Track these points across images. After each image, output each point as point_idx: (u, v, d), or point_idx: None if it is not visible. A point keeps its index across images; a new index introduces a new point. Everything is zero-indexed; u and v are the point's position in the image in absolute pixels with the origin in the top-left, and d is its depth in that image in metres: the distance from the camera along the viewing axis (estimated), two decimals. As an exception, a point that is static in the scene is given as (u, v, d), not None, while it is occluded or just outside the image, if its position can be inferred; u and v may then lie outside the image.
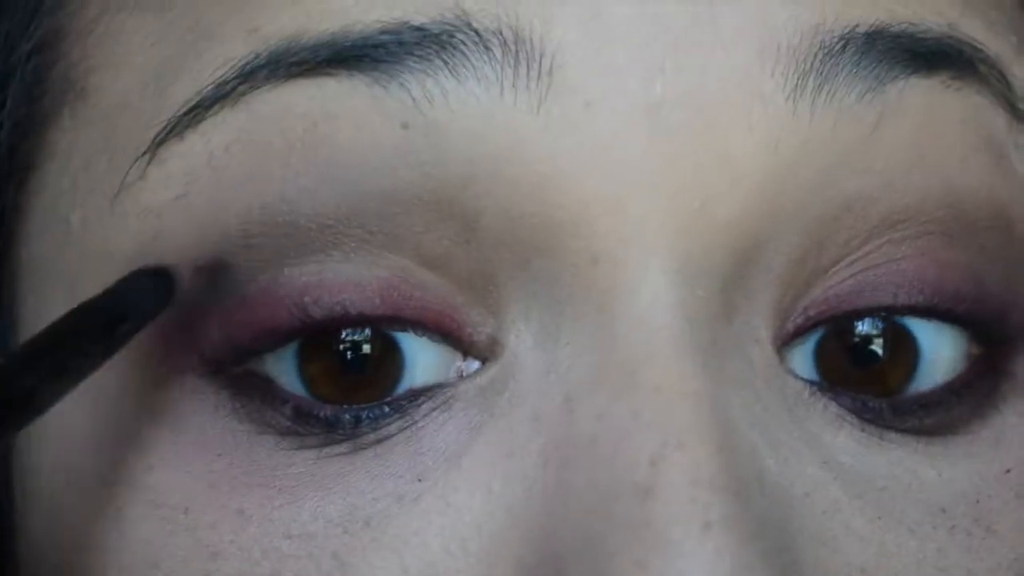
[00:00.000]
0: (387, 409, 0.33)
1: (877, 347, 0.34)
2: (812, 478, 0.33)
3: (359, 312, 0.32)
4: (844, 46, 0.32)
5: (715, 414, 0.31)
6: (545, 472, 0.32)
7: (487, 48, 0.31)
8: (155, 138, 0.33)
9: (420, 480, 0.32)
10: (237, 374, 0.33)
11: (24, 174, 0.36)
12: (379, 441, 0.33)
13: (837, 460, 0.33)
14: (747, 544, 0.30)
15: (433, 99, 0.31)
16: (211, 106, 0.32)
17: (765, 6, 0.32)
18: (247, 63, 0.32)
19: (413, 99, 0.31)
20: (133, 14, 0.34)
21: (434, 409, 0.33)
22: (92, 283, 0.34)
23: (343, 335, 0.33)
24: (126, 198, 0.33)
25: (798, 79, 0.32)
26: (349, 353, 0.33)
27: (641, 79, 0.32)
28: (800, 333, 0.34)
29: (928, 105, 0.33)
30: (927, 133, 0.33)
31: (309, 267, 0.32)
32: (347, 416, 0.33)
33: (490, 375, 0.33)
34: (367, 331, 0.33)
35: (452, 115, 0.31)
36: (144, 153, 0.33)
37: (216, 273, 0.33)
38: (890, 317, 0.34)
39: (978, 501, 0.34)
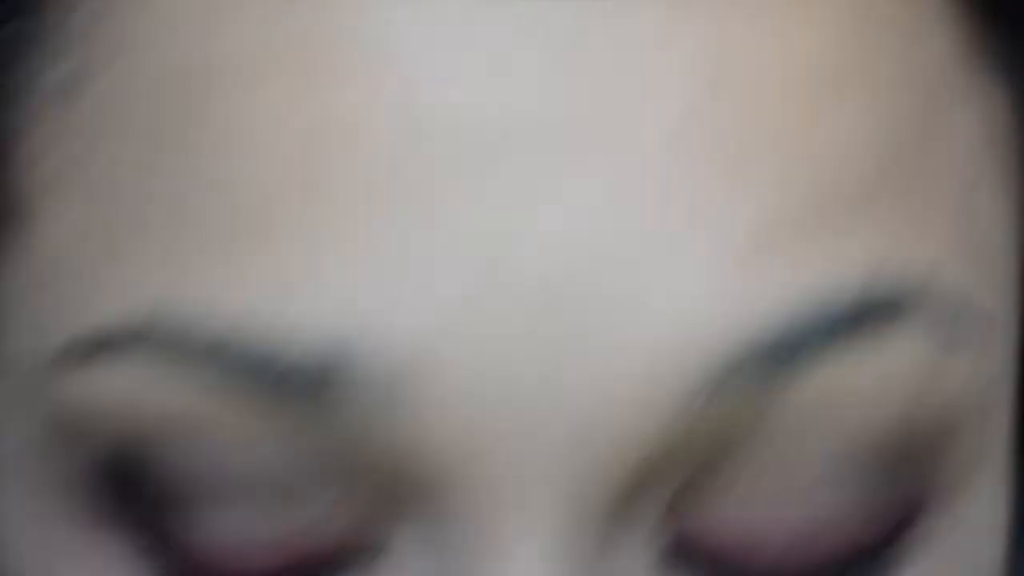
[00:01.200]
0: None
1: None
2: None
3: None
4: (744, 357, 0.31)
5: None
6: None
7: (376, 381, 0.30)
8: (60, 348, 0.32)
9: None
10: None
11: None
12: None
13: None
14: None
15: (318, 418, 0.31)
16: (99, 353, 0.32)
17: (679, 317, 0.30)
18: (139, 327, 0.31)
19: (295, 414, 0.31)
20: (68, 182, 0.32)
21: None
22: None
23: None
24: (43, 375, 0.33)
25: (690, 391, 0.31)
26: None
27: (525, 390, 0.30)
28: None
29: (842, 370, 0.31)
30: (835, 395, 0.32)
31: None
32: None
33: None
34: None
35: (337, 423, 0.31)
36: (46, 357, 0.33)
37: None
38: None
39: None
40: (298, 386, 0.30)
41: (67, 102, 0.32)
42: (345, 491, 0.32)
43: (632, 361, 0.30)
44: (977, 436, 0.34)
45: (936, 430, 0.33)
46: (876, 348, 0.32)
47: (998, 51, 0.35)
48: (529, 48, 0.30)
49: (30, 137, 0.33)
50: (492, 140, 0.30)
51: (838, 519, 0.33)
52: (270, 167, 0.30)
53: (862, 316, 0.31)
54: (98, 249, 0.32)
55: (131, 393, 0.31)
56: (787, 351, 0.31)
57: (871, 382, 0.32)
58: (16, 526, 0.35)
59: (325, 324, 0.30)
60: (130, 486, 0.32)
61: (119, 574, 0.33)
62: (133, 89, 0.31)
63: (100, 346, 0.32)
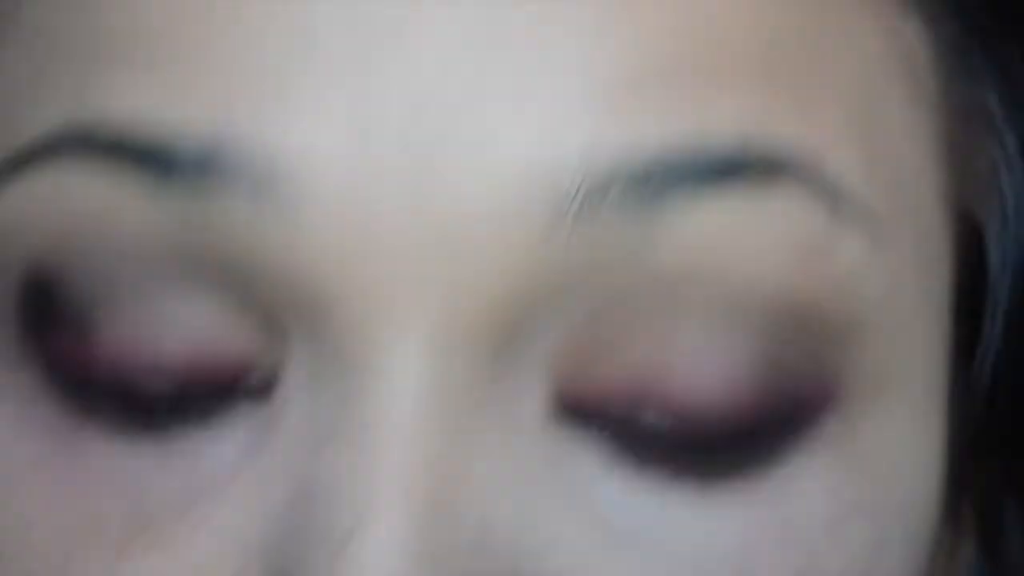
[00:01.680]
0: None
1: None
2: (566, 534, 0.33)
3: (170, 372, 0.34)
4: (606, 181, 0.32)
5: (434, 478, 0.32)
6: (288, 512, 0.33)
7: (248, 172, 0.32)
8: None
9: (191, 498, 0.34)
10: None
11: None
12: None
13: (600, 512, 0.33)
14: None
15: (206, 208, 0.32)
16: (27, 162, 0.34)
17: (524, 144, 0.32)
18: (58, 134, 0.34)
19: (187, 203, 0.33)
20: (10, 31, 0.35)
21: (220, 417, 0.34)
22: None
23: None
24: None
25: (555, 211, 0.32)
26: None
27: (402, 189, 0.32)
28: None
29: (717, 215, 0.32)
30: (716, 242, 0.32)
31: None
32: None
33: (266, 410, 0.34)
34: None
35: (223, 218, 0.32)
36: None
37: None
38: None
39: (744, 551, 0.34)
40: (183, 174, 0.32)
41: None
42: (238, 303, 0.33)
43: (495, 179, 0.32)
44: (885, 352, 0.35)
45: (829, 318, 0.34)
46: (753, 204, 0.32)
47: None
48: None
49: None
50: None
51: (725, 388, 0.33)
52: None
53: (736, 169, 0.32)
54: (24, 78, 0.35)
55: (46, 202, 0.33)
56: (654, 184, 0.32)
57: (749, 237, 0.32)
58: None
59: (206, 120, 0.32)
60: (41, 303, 0.34)
61: (30, 406, 0.35)
62: None
63: (22, 161, 0.34)
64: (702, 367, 0.33)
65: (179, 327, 0.34)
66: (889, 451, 0.36)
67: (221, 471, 0.34)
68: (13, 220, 0.34)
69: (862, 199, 0.34)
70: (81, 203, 0.33)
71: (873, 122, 0.35)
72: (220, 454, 0.34)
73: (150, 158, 0.33)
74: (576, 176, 0.32)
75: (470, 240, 0.32)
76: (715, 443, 0.33)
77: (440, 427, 0.32)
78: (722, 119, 0.32)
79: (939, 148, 0.36)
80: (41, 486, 0.34)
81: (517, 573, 0.33)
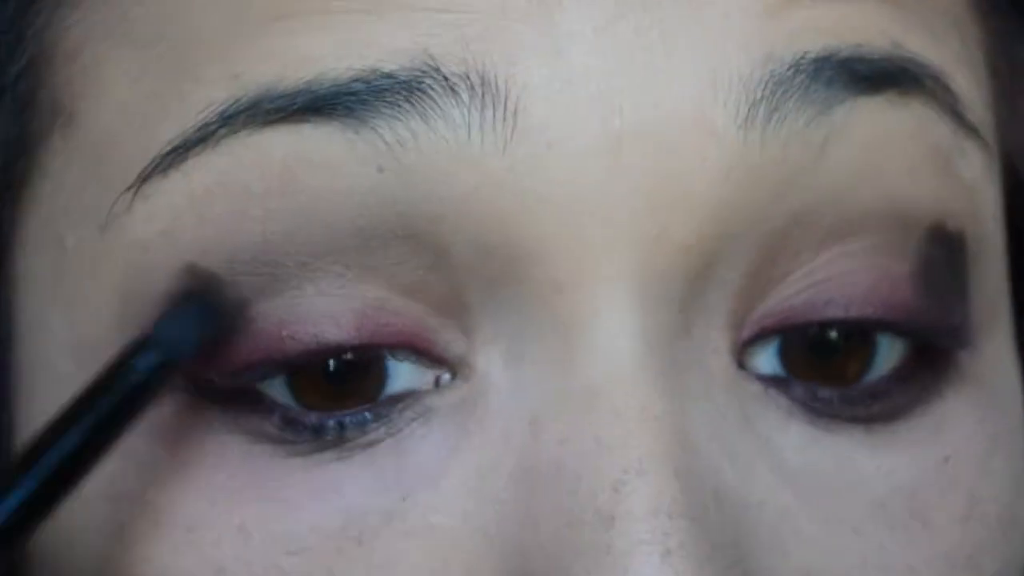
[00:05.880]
0: (369, 416, 0.34)
1: (835, 342, 0.36)
2: (766, 485, 0.35)
3: (337, 343, 0.34)
4: (793, 75, 0.34)
5: (674, 436, 0.33)
6: (515, 495, 0.33)
7: (455, 92, 0.33)
8: (140, 173, 0.35)
9: (404, 499, 0.34)
10: (225, 389, 0.35)
11: (18, 191, 0.37)
12: (366, 447, 0.34)
13: (787, 462, 0.35)
14: (703, 567, 0.32)
15: (405, 143, 0.33)
16: (193, 147, 0.34)
17: (717, 40, 0.34)
18: (227, 108, 0.34)
19: (386, 143, 0.33)
20: (117, 45, 0.35)
21: (415, 419, 0.34)
22: (85, 307, 0.36)
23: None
24: (115, 228, 0.35)
25: (749, 109, 0.34)
26: (332, 362, 0.35)
27: (600, 118, 0.33)
28: (760, 339, 0.36)
29: (874, 123, 0.35)
30: (874, 150, 0.35)
31: (286, 302, 0.34)
32: (332, 422, 0.34)
33: (462, 393, 0.34)
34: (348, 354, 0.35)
35: (423, 157, 0.33)
36: (129, 188, 0.35)
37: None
38: (843, 326, 0.36)
39: (915, 493, 0.36)
40: (389, 103, 0.33)
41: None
42: (425, 271, 0.34)
43: (686, 84, 0.34)
44: (996, 274, 0.37)
45: (965, 232, 0.36)
46: (898, 111, 0.35)
47: None
48: None
49: (62, 42, 0.36)
50: None
51: (892, 309, 0.36)
52: None
53: (886, 76, 0.35)
54: (160, 76, 0.35)
55: (218, 185, 0.34)
56: (824, 88, 0.34)
57: (897, 143, 0.35)
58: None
59: (411, 49, 0.33)
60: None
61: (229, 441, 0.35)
62: None
63: (192, 144, 0.34)
64: (882, 263, 0.35)
65: (353, 303, 0.34)
66: (1006, 380, 0.38)
67: (429, 468, 0.34)
68: (183, 210, 0.34)
69: (979, 119, 0.36)
70: (259, 172, 0.33)
71: (973, 56, 0.37)
72: (424, 451, 0.34)
73: (346, 98, 0.33)
74: (763, 71, 0.34)
75: (666, 185, 0.33)
76: (879, 386, 0.36)
77: (659, 386, 0.33)
78: (871, 32, 0.35)
79: (989, 95, 0.39)
80: (247, 513, 0.34)
81: (739, 526, 0.34)
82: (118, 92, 0.35)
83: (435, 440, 0.34)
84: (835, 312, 0.35)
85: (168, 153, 0.34)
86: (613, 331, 0.33)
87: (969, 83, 0.37)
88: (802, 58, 0.34)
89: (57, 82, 0.36)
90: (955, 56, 0.36)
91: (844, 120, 0.34)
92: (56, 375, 0.36)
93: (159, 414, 0.35)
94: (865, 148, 0.35)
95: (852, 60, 0.34)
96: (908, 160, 0.35)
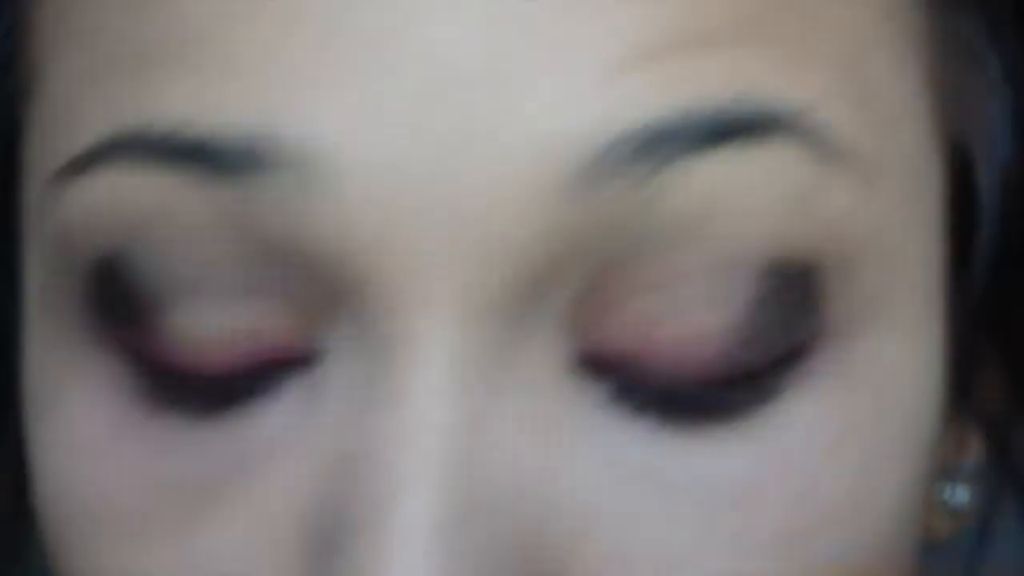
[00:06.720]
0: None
1: None
2: (583, 479, 0.35)
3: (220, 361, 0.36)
4: (627, 139, 0.34)
5: (465, 441, 0.34)
6: (333, 474, 0.35)
7: (288, 159, 0.34)
8: (57, 170, 0.37)
9: (248, 462, 0.36)
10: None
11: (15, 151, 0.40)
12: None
13: (610, 454, 0.36)
14: (464, 563, 0.33)
15: (248, 199, 0.35)
16: (85, 166, 0.36)
17: (538, 119, 0.34)
18: (111, 139, 0.36)
19: (232, 197, 0.35)
20: (63, 39, 0.38)
21: (274, 388, 0.36)
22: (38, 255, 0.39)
23: None
24: (49, 198, 0.37)
25: (569, 179, 0.34)
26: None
27: (424, 178, 0.34)
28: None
29: (714, 173, 0.35)
30: (710, 200, 0.35)
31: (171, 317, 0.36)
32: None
33: (312, 378, 0.36)
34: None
35: (264, 207, 0.35)
36: (49, 181, 0.37)
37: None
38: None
39: (743, 490, 0.36)
40: (231, 167, 0.35)
41: None
42: (284, 287, 0.35)
43: (510, 152, 0.34)
44: (875, 282, 0.37)
45: (821, 260, 0.36)
46: (748, 158, 0.35)
47: None
48: None
49: (36, 16, 0.39)
50: None
51: (723, 333, 0.36)
52: (203, 5, 0.35)
53: (730, 129, 0.35)
54: (85, 86, 0.37)
55: (107, 199, 0.36)
56: (656, 148, 0.34)
57: (745, 190, 0.35)
58: (34, 356, 0.39)
59: (246, 115, 0.35)
60: (109, 297, 0.36)
61: (108, 389, 0.37)
62: None
63: (79, 167, 0.36)
64: (702, 314, 0.35)
65: (234, 314, 0.36)
66: (885, 372, 0.38)
67: (275, 436, 0.36)
68: (76, 222, 0.36)
69: (852, 144, 0.36)
70: (136, 204, 0.36)
71: (862, 66, 0.37)
72: (273, 421, 0.36)
73: (199, 155, 0.35)
74: (587, 146, 0.34)
75: (491, 211, 0.34)
76: (712, 386, 0.36)
77: (470, 392, 0.35)
78: (716, 83, 0.35)
79: (927, 80, 0.38)
80: (121, 458, 0.37)
81: (542, 524, 0.35)
82: (58, 85, 0.38)
83: (282, 414, 0.36)
84: (658, 353, 0.36)
85: (71, 162, 0.36)
86: (427, 341, 0.34)
87: (848, 103, 0.36)
88: (635, 122, 0.34)
89: (32, 51, 0.39)
90: (827, 77, 0.36)
91: (679, 175, 0.34)
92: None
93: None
94: (700, 199, 0.35)
95: (690, 116, 0.34)
96: (754, 203, 0.35)
